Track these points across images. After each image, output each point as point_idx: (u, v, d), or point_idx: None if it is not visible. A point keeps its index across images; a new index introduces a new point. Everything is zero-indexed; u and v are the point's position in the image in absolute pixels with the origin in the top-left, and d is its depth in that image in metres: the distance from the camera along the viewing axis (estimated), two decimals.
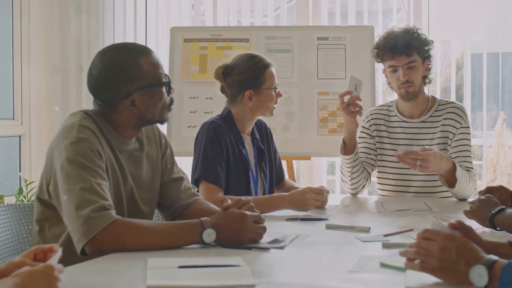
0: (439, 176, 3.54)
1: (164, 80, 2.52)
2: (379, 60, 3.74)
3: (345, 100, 3.53)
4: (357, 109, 3.53)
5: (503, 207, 2.57)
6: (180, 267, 1.95)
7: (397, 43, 3.60)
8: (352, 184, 3.76)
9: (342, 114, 3.61)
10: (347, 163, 3.70)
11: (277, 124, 4.70)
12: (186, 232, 2.28)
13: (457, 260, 1.70)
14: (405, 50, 3.60)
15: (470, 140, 3.72)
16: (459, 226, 1.86)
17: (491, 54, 5.84)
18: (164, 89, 2.52)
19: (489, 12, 5.89)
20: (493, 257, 1.67)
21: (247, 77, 3.32)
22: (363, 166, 3.77)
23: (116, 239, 2.19)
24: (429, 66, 3.75)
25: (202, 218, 2.31)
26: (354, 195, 3.81)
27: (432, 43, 3.75)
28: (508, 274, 1.60)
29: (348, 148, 3.68)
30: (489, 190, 2.86)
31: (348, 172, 3.72)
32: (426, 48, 3.70)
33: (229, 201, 2.39)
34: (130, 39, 5.73)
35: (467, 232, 1.84)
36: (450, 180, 3.49)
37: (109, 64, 2.46)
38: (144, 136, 2.67)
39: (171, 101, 2.59)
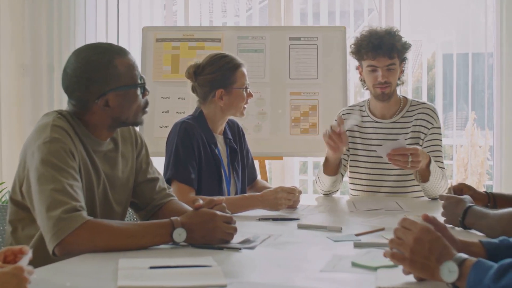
0: (414, 172, 3.56)
1: (139, 81, 2.51)
2: (356, 57, 3.74)
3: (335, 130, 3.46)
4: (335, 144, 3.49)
5: (470, 205, 2.58)
6: (151, 267, 1.94)
7: (381, 44, 3.60)
8: (327, 189, 3.77)
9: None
10: (326, 182, 3.71)
11: (250, 124, 4.69)
12: (156, 232, 2.27)
13: (428, 255, 1.70)
14: (388, 52, 3.61)
15: (441, 140, 3.75)
16: (433, 222, 1.87)
17: (461, 54, 5.89)
18: (139, 91, 2.51)
19: (459, 13, 5.95)
20: (464, 255, 1.68)
21: (218, 76, 3.32)
22: None
23: (86, 240, 2.18)
24: (404, 68, 3.77)
25: (172, 218, 2.30)
26: (327, 195, 3.83)
27: (411, 46, 3.77)
28: (477, 272, 1.61)
29: (330, 167, 3.68)
30: (452, 190, 2.89)
31: (326, 185, 3.74)
32: (406, 51, 3.72)
33: (201, 201, 2.39)
34: (101, 39, 5.69)
35: (441, 229, 1.85)
36: (425, 174, 3.50)
37: (85, 63, 2.43)
38: (119, 136, 2.65)
39: (146, 103, 2.57)
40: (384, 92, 3.67)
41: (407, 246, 1.74)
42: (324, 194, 3.83)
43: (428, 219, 1.86)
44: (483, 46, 5.65)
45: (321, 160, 3.73)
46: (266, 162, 4.77)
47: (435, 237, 1.74)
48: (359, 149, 3.81)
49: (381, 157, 3.55)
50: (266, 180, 4.55)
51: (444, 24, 6.30)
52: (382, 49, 3.60)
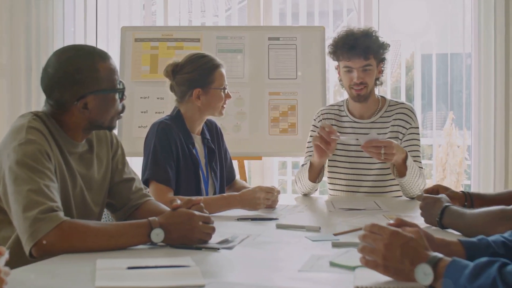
0: (391, 167, 3.58)
1: (118, 86, 2.51)
2: (334, 58, 3.75)
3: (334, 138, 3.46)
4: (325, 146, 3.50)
5: (447, 204, 2.60)
6: (129, 268, 1.93)
7: (356, 45, 3.61)
8: (307, 191, 3.78)
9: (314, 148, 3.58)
10: (308, 186, 3.72)
11: (229, 124, 4.69)
12: (134, 232, 2.27)
13: (401, 259, 1.70)
14: (363, 53, 3.62)
15: (419, 140, 3.77)
16: (401, 224, 1.87)
17: (440, 55, 5.93)
18: (117, 96, 2.52)
19: (438, 14, 5.98)
20: (438, 255, 1.68)
21: (196, 75, 3.32)
22: None
23: (63, 241, 2.16)
24: (382, 68, 3.77)
25: (150, 218, 2.29)
26: (306, 195, 3.84)
27: (389, 46, 3.78)
28: (452, 272, 1.61)
29: (314, 171, 3.69)
30: (427, 192, 2.90)
31: (307, 188, 3.75)
32: (382, 51, 3.72)
33: (178, 202, 2.38)
34: (80, 39, 5.67)
35: (413, 231, 1.85)
36: (401, 169, 3.52)
37: (67, 64, 2.43)
38: (94, 137, 2.65)
39: (123, 108, 2.58)
40: (360, 94, 3.68)
41: (379, 253, 1.74)
42: (303, 195, 3.84)
43: (397, 225, 1.86)
44: (461, 46, 5.68)
45: (300, 160, 3.74)
46: (245, 162, 4.78)
47: (406, 240, 1.73)
48: (337, 149, 3.80)
49: (360, 157, 3.58)
50: (245, 180, 4.55)
51: (423, 25, 6.33)
52: (356, 50, 3.61)
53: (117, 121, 2.59)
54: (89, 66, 2.44)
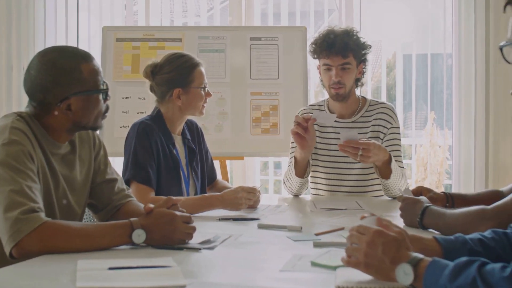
0: (375, 168, 3.59)
1: (102, 87, 2.51)
2: (315, 56, 3.76)
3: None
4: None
5: (427, 205, 2.61)
6: (110, 268, 1.93)
7: (334, 43, 3.62)
8: (296, 190, 3.79)
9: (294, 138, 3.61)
10: (297, 184, 3.73)
11: (210, 124, 4.69)
12: (115, 233, 2.26)
13: (382, 258, 1.71)
14: (341, 51, 3.63)
15: (400, 140, 3.78)
16: (388, 225, 1.88)
17: (420, 55, 5.95)
18: (101, 96, 2.52)
19: (419, 14, 6.00)
20: (419, 255, 1.69)
21: (175, 75, 3.32)
22: None
23: (44, 242, 2.15)
24: (364, 69, 3.78)
25: (131, 219, 2.29)
26: (296, 196, 3.85)
27: (370, 47, 3.79)
28: (432, 272, 1.62)
29: (300, 167, 3.70)
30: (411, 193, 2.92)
31: (296, 187, 3.75)
32: (363, 52, 3.73)
33: (151, 205, 2.37)
34: (61, 38, 5.65)
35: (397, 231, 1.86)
36: (385, 171, 3.53)
37: (50, 65, 2.42)
38: (77, 138, 2.64)
39: (107, 108, 2.59)
40: (338, 93, 3.69)
41: (361, 251, 1.75)
42: (293, 196, 3.85)
43: (382, 224, 1.86)
44: (442, 47, 5.71)
45: (282, 159, 3.75)
46: (227, 162, 4.77)
47: (388, 239, 1.74)
48: (319, 149, 3.82)
49: (341, 156, 3.60)
50: (227, 180, 4.55)
51: (404, 25, 6.36)
52: (335, 48, 3.62)
53: (102, 121, 2.58)
54: (72, 67, 2.43)
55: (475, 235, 1.97)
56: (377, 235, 1.75)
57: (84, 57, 2.49)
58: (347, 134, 3.42)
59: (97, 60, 2.55)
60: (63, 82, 2.42)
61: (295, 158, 3.69)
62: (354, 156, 3.39)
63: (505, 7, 1.78)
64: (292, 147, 3.85)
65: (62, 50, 2.54)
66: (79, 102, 2.45)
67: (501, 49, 1.84)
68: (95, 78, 2.49)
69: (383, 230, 1.77)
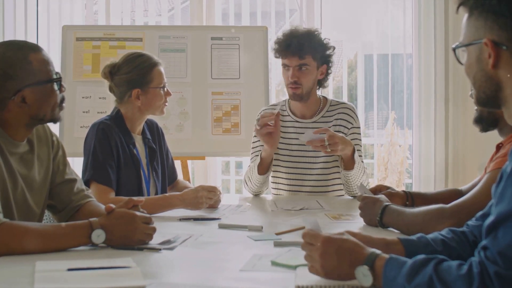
0: (339, 160, 3.60)
1: (54, 76, 2.48)
2: (277, 55, 3.76)
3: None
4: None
5: (387, 204, 2.63)
6: (69, 269, 1.92)
7: (291, 44, 3.63)
8: (258, 189, 3.79)
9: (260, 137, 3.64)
10: (259, 182, 3.73)
11: (171, 124, 4.68)
12: (74, 234, 2.25)
13: (339, 264, 1.72)
14: (298, 51, 3.63)
15: (361, 139, 3.80)
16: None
17: (381, 55, 5.99)
18: (55, 86, 2.49)
19: (379, 15, 6.04)
20: (375, 251, 1.71)
21: (134, 76, 3.30)
22: None
23: (2, 243, 2.13)
24: (329, 71, 3.79)
25: (90, 219, 2.28)
26: (256, 195, 3.85)
27: (334, 49, 3.79)
28: (390, 270, 1.63)
29: (264, 165, 3.71)
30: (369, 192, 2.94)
31: (258, 185, 3.75)
32: (326, 53, 3.74)
33: (112, 205, 2.36)
34: (20, 37, 5.61)
35: (353, 234, 1.87)
36: (349, 163, 3.55)
37: None
38: (34, 137, 2.62)
39: (63, 98, 2.56)
40: (295, 93, 3.70)
41: (317, 263, 1.76)
42: (254, 195, 3.85)
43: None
44: (402, 47, 5.76)
45: (243, 159, 3.74)
46: (189, 162, 4.76)
47: (339, 244, 1.75)
48: (280, 149, 3.82)
49: (302, 156, 3.61)
50: (189, 180, 4.55)
51: (364, 25, 6.40)
52: (292, 48, 3.63)
53: (60, 113, 2.56)
54: (21, 59, 2.41)
55: (435, 235, 1.98)
56: (327, 245, 1.76)
57: (32, 48, 2.48)
58: (304, 136, 3.43)
59: (57, 60, 2.53)
60: (14, 75, 2.39)
61: (262, 158, 3.69)
62: (323, 148, 3.39)
63: (458, 8, 1.80)
64: (253, 147, 3.86)
65: (10, 44, 2.52)
66: (33, 93, 2.43)
67: (454, 50, 1.85)
68: (46, 68, 2.47)
69: (330, 237, 1.78)
